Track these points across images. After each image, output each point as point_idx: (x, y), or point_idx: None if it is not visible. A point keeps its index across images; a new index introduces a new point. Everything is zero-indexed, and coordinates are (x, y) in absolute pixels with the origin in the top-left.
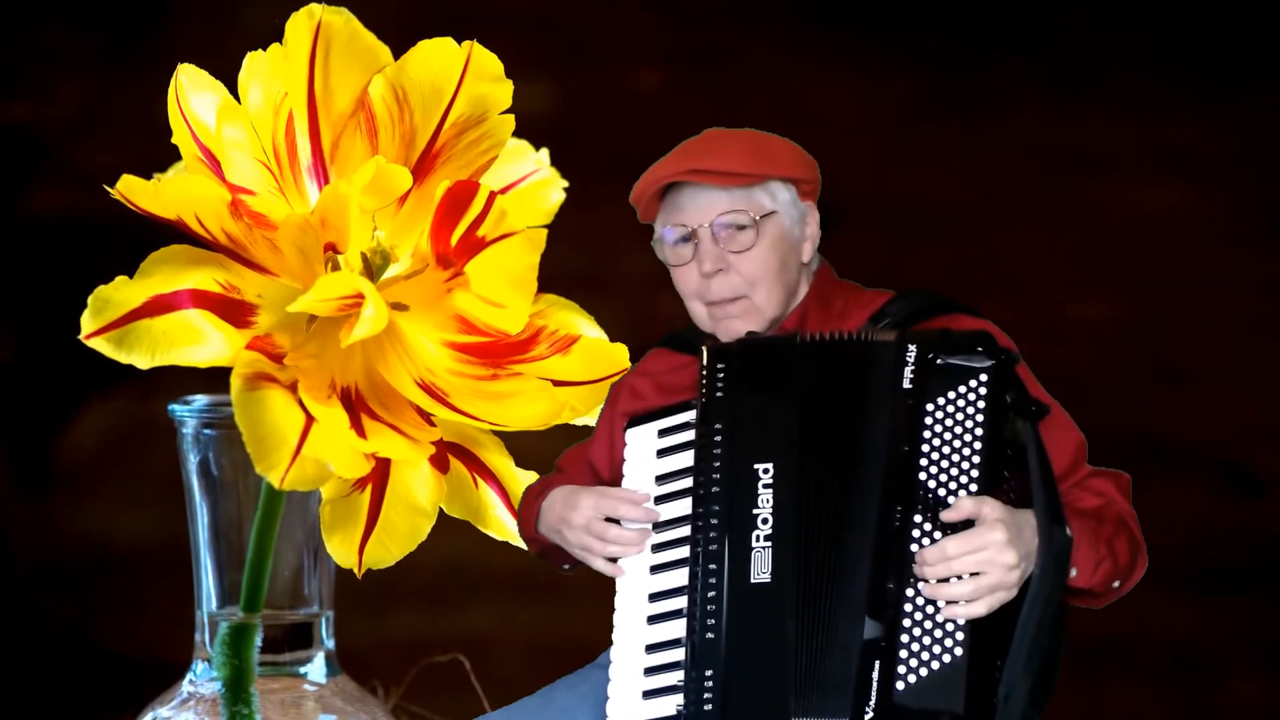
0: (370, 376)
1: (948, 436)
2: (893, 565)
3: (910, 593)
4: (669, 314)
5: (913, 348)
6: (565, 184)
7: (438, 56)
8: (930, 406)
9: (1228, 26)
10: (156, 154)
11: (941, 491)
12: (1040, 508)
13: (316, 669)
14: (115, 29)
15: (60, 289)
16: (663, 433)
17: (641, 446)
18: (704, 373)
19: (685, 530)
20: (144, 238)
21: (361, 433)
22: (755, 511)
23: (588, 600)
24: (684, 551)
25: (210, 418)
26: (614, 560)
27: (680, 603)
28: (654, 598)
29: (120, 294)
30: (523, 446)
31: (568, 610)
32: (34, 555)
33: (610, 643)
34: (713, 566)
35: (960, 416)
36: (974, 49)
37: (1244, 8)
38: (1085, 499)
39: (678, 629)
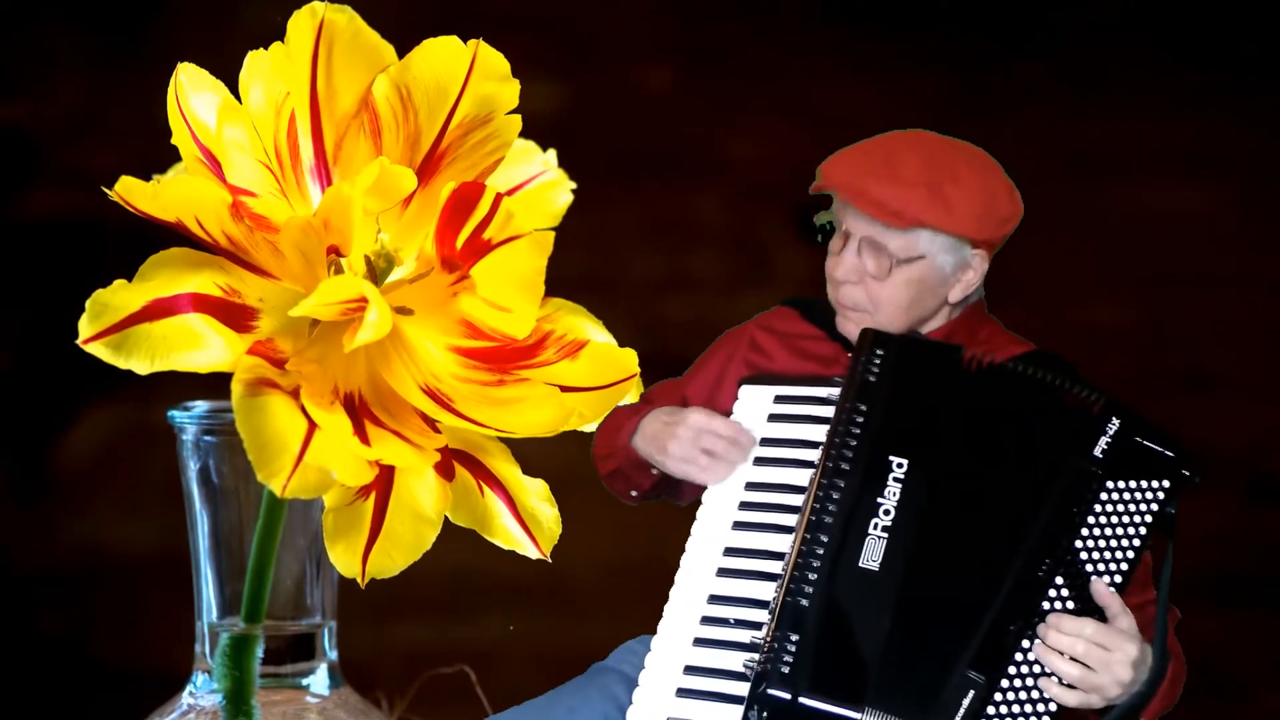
0: (374, 382)
1: (1114, 521)
2: (1020, 611)
3: (1026, 644)
4: (678, 318)
5: (1117, 421)
6: (573, 185)
7: (443, 55)
8: (1110, 484)
9: (1253, 27)
10: (156, 155)
11: (1089, 568)
12: (1158, 638)
13: (319, 681)
14: (114, 28)
15: (57, 292)
16: (780, 399)
17: (753, 405)
18: (861, 354)
19: (779, 497)
20: (143, 240)
21: (365, 439)
22: (879, 500)
23: (595, 611)
24: (773, 517)
25: (211, 424)
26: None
27: (757, 565)
28: (730, 552)
29: (119, 298)
30: (529, 453)
31: (575, 621)
32: (30, 565)
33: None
34: (823, 538)
35: (1133, 508)
36: (994, 49)
37: (1268, 9)
38: (1171, 637)
39: (748, 589)
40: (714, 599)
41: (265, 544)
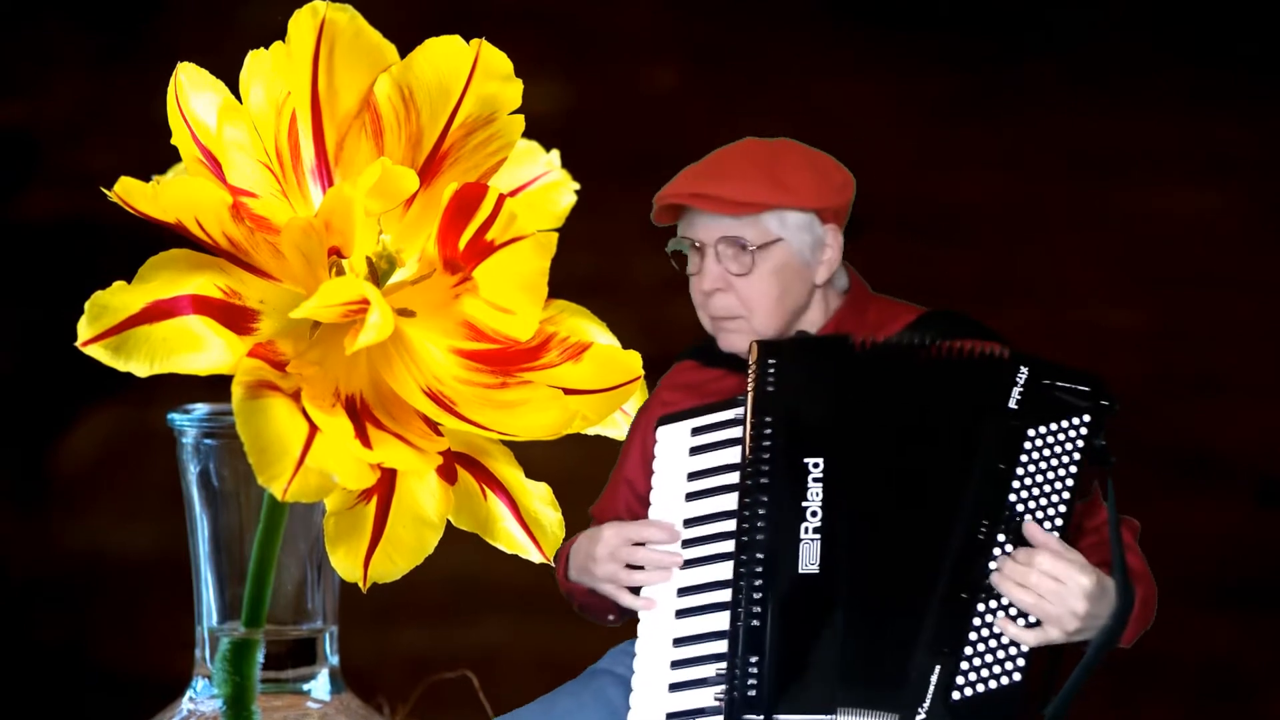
0: (376, 385)
1: (1043, 466)
2: (969, 577)
3: (981, 608)
4: (682, 320)
5: (1025, 370)
6: (577, 186)
7: (445, 55)
8: (1030, 431)
9: (1266, 26)
10: (155, 155)
11: (1027, 518)
12: (1116, 568)
13: (320, 686)
14: (114, 27)
15: (56, 294)
16: (696, 430)
17: (674, 444)
18: (754, 366)
19: (719, 526)
20: (143, 241)
21: (367, 443)
22: (805, 504)
23: None
24: (718, 547)
25: (211, 427)
26: (639, 594)
27: (710, 598)
28: (684, 591)
29: (118, 299)
30: (532, 457)
31: (578, 626)
32: (29, 570)
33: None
34: (760, 555)
35: (1058, 449)
36: (1004, 48)
37: (1278, 8)
38: (1131, 556)
39: (707, 623)
40: (679, 641)
41: (266, 548)
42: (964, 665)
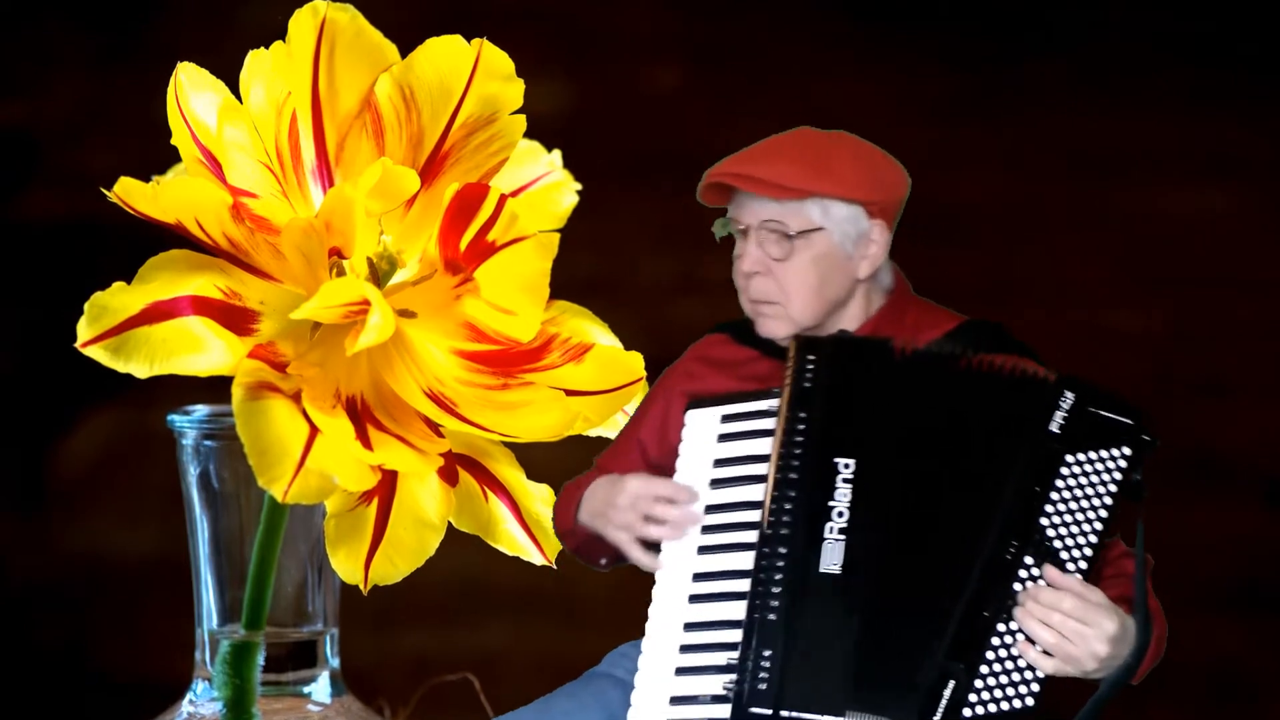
0: (376, 386)
1: (1078, 494)
2: (993, 595)
3: (1002, 628)
4: (685, 321)
5: (1070, 394)
6: (578, 187)
7: (446, 54)
8: (1069, 458)
9: (1268, 26)
10: (155, 155)
11: (1057, 544)
12: (1138, 609)
13: (321, 689)
14: (113, 27)
15: (55, 295)
16: (727, 418)
17: (702, 429)
18: (792, 361)
19: (741, 515)
20: (142, 242)
21: (367, 444)
22: (831, 504)
23: (601, 618)
24: (737, 536)
25: (211, 429)
26: (655, 553)
27: (726, 586)
28: (699, 578)
29: (118, 300)
30: (534, 458)
31: (580, 628)
32: (28, 571)
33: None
34: (781, 549)
35: (1096, 479)
36: (1005, 48)
37: None
38: (1149, 597)
39: (721, 611)
40: (689, 626)
41: (266, 550)
42: (979, 683)
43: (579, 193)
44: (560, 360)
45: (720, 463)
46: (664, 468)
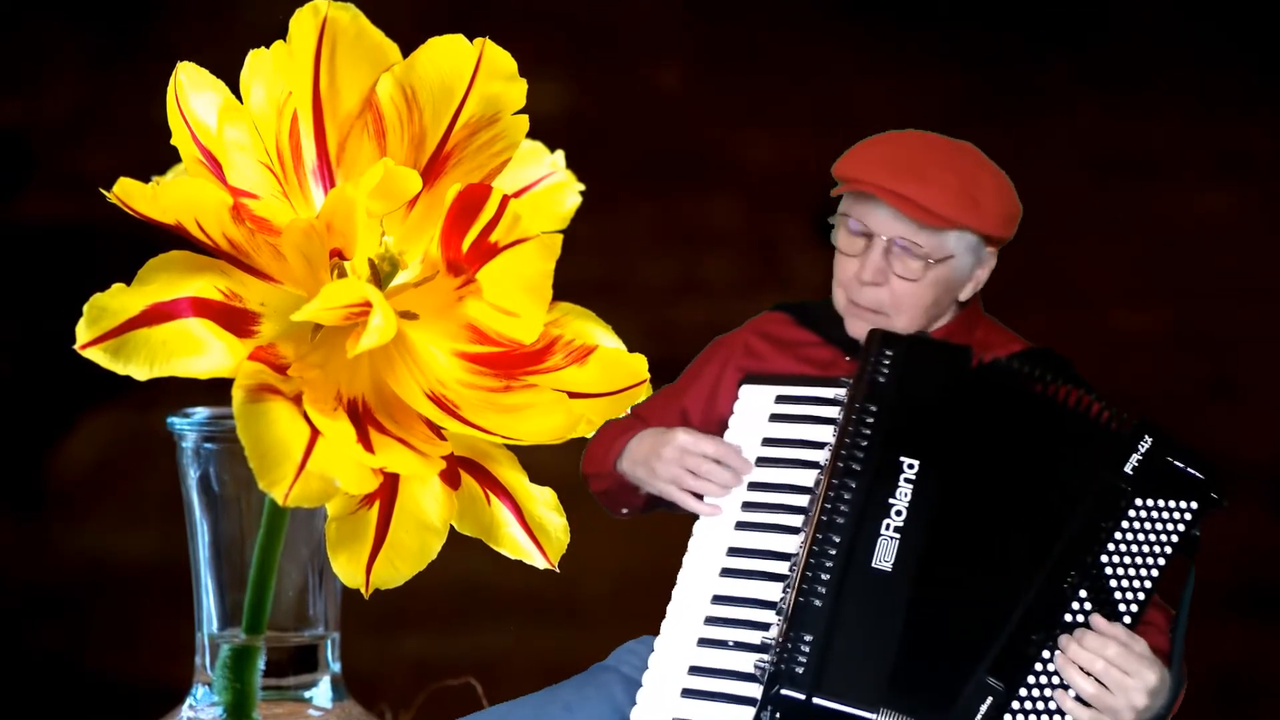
0: (378, 388)
1: (1140, 539)
2: (1043, 621)
3: (1046, 655)
4: (689, 322)
5: (1149, 439)
6: (582, 187)
7: (448, 54)
8: (1139, 502)
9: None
10: (155, 156)
11: (1112, 583)
12: (1175, 659)
13: (322, 693)
14: (111, 26)
15: (54, 297)
16: (781, 399)
17: (755, 405)
18: (870, 354)
19: (785, 498)
20: (142, 243)
21: (369, 447)
22: (891, 501)
23: (604, 622)
24: (779, 518)
25: (211, 431)
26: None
27: (763, 565)
28: (733, 552)
29: (117, 302)
30: (537, 461)
31: (583, 632)
32: (27, 575)
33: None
34: (835, 538)
35: (1159, 527)
36: (1022, 46)
37: None
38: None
39: (754, 589)
40: (718, 599)
41: (267, 554)
42: (1014, 705)
43: (582, 193)
44: (563, 362)
45: (769, 442)
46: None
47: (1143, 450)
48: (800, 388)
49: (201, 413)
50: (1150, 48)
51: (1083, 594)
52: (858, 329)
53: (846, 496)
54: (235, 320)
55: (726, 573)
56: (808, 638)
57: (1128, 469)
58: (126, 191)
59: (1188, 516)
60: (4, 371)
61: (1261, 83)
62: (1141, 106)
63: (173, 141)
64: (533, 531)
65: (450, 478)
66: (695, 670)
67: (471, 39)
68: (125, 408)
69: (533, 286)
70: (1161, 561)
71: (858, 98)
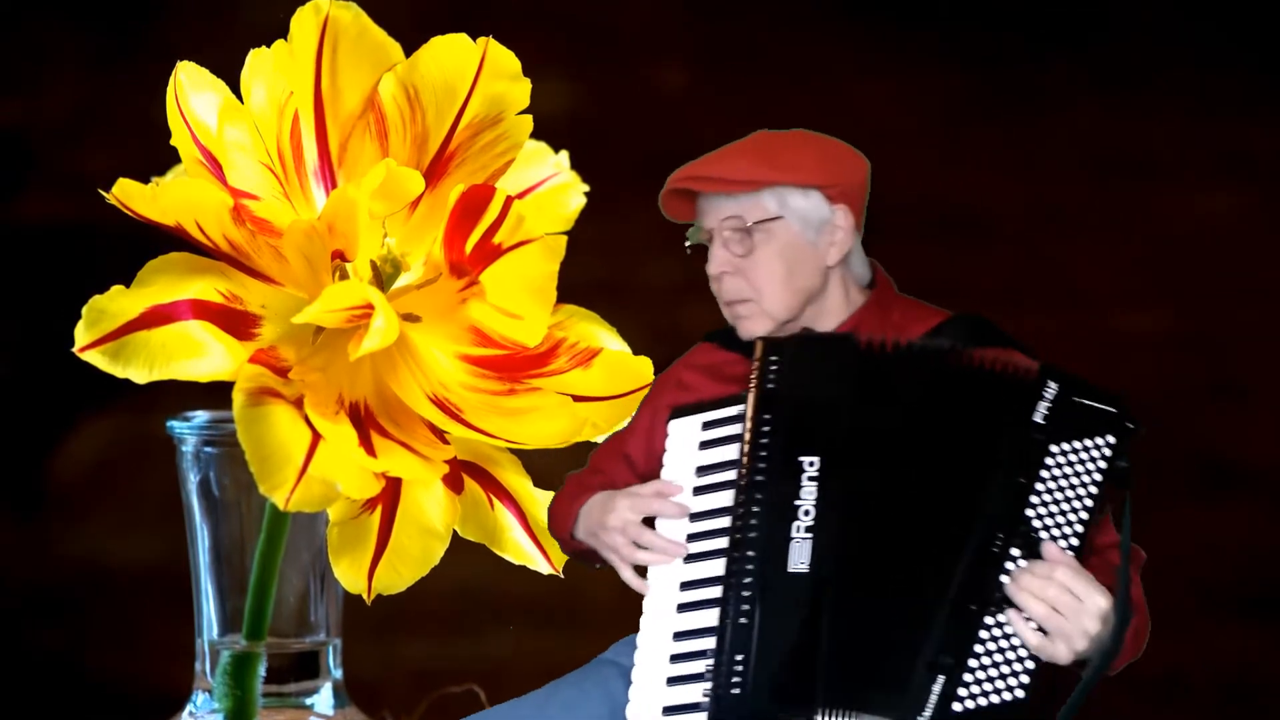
0: (380, 391)
1: (1064, 483)
2: (979, 588)
3: (990, 621)
4: (693, 325)
5: (1054, 385)
6: (586, 188)
7: (451, 54)
8: (1054, 448)
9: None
10: (155, 156)
11: (1044, 534)
12: (1120, 595)
13: (323, 700)
14: (111, 26)
15: (53, 299)
16: (707, 425)
17: (684, 438)
18: (756, 363)
19: (724, 521)
20: (142, 244)
21: (371, 451)
22: (797, 503)
23: (607, 627)
24: (721, 542)
25: (211, 435)
26: (643, 576)
27: (713, 592)
28: (686, 586)
29: (116, 304)
30: (541, 465)
31: (587, 638)
32: (25, 580)
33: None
34: (750, 553)
35: (1081, 469)
36: (1024, 46)
37: None
38: (1133, 586)
39: (709, 618)
40: (679, 635)
41: (268, 559)
42: (967, 678)
43: (586, 194)
44: (568, 365)
45: (703, 470)
46: (653, 479)
47: (1049, 396)
48: (722, 410)
49: (202, 416)
50: (1150, 48)
51: (1015, 552)
52: (747, 329)
53: (755, 509)
54: (236, 323)
55: (683, 607)
56: (739, 657)
57: (1037, 418)
58: (126, 192)
59: (1106, 452)
60: (4, 372)
61: (1262, 83)
62: (1141, 106)
63: (173, 142)
64: (537, 536)
65: (453, 482)
66: (669, 710)
67: (475, 38)
68: (125, 411)
69: (537, 289)
70: (1090, 501)
71: (858, 98)
